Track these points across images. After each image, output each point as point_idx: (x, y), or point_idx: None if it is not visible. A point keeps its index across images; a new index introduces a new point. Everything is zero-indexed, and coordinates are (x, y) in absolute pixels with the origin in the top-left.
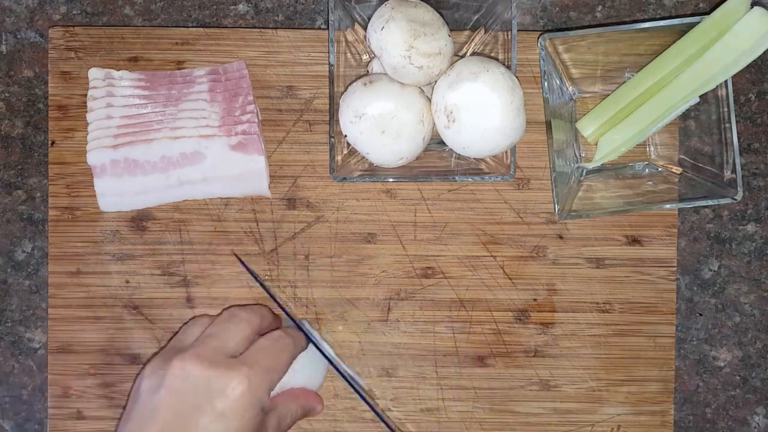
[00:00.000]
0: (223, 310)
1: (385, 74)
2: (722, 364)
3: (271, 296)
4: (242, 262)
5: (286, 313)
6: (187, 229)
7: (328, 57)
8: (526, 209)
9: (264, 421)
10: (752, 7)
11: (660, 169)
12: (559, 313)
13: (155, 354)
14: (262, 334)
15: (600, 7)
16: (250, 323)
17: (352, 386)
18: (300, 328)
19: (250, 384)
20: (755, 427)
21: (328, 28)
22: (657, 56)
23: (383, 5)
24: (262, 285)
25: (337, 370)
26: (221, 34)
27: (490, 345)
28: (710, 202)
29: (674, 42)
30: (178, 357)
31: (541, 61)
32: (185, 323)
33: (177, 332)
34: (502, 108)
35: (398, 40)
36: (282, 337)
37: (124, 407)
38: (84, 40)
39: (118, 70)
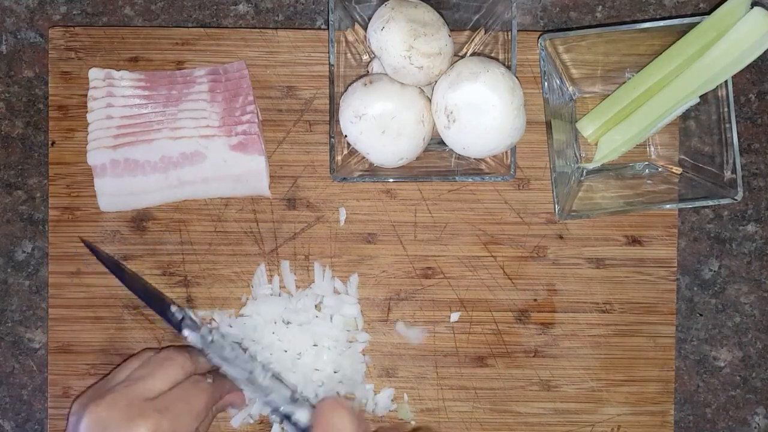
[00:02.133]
0: (162, 348)
1: (385, 74)
2: (722, 365)
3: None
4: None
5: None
6: (187, 229)
7: (329, 57)
8: (526, 209)
9: None
10: (752, 7)
11: (660, 170)
12: (560, 314)
13: (91, 386)
14: None
15: (600, 8)
16: (183, 368)
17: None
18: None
19: (158, 430)
20: (755, 428)
21: (328, 29)
22: (657, 56)
23: (383, 5)
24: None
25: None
26: (221, 34)
27: (490, 345)
28: (710, 203)
29: (674, 42)
30: (95, 403)
31: (541, 62)
32: (127, 359)
33: (118, 365)
34: (503, 108)
35: (398, 40)
36: (205, 378)
37: None
38: (84, 40)
39: (118, 70)
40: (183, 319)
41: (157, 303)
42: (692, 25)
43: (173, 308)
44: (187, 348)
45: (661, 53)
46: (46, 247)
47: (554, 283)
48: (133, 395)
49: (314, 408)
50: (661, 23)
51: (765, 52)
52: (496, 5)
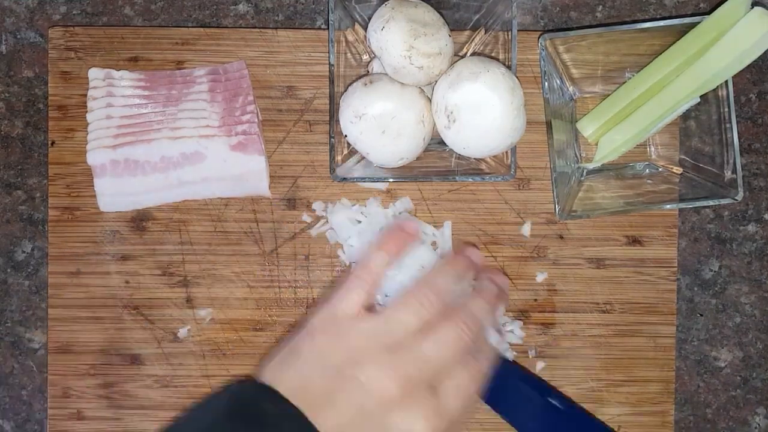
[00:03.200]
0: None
1: (386, 74)
2: (723, 365)
3: None
4: None
5: None
6: (187, 229)
7: (329, 57)
8: (526, 209)
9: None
10: (752, 7)
11: (660, 170)
12: (560, 314)
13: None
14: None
15: (600, 7)
16: (461, 338)
17: None
18: None
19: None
20: (756, 428)
21: (328, 28)
22: (657, 56)
23: (383, 5)
24: None
25: None
26: (221, 34)
27: None
28: (711, 203)
29: (675, 42)
30: (375, 361)
31: (542, 62)
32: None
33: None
34: (503, 108)
35: (398, 40)
36: (480, 371)
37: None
38: (84, 40)
39: (118, 70)
40: None
41: None
42: (692, 25)
43: None
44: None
45: (661, 53)
46: (46, 247)
47: (554, 283)
48: (414, 373)
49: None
50: (661, 23)
51: (765, 52)
52: (496, 5)
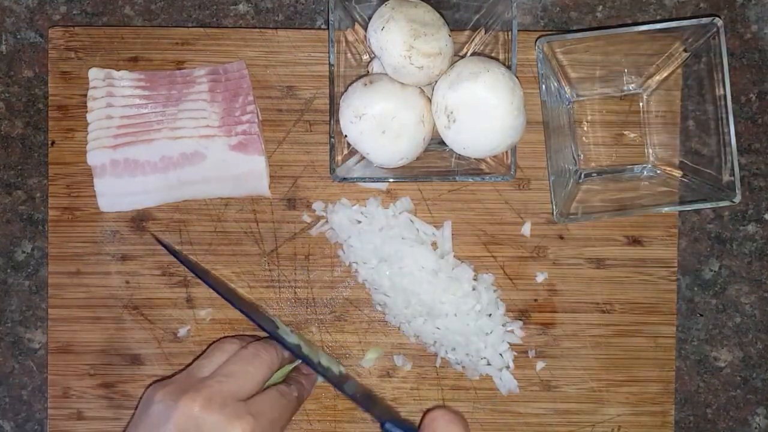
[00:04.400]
0: (249, 343)
1: (386, 74)
2: (723, 365)
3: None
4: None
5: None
6: (187, 229)
7: (329, 57)
8: (526, 209)
9: None
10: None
11: (659, 172)
12: (560, 314)
13: (174, 374)
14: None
15: (600, 7)
16: (270, 367)
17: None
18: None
19: None
20: (756, 428)
21: (328, 28)
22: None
23: (383, 5)
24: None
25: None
26: (221, 34)
27: None
28: (709, 205)
29: (673, 44)
30: (190, 395)
31: (539, 64)
32: (213, 344)
33: (201, 353)
34: (503, 108)
35: (398, 40)
36: (291, 390)
37: (132, 417)
38: (84, 40)
39: (118, 70)
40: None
41: (263, 320)
42: (689, 27)
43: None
44: (271, 342)
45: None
46: (46, 247)
47: (554, 284)
48: (227, 393)
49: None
50: (658, 26)
51: (765, 52)
52: (496, 5)
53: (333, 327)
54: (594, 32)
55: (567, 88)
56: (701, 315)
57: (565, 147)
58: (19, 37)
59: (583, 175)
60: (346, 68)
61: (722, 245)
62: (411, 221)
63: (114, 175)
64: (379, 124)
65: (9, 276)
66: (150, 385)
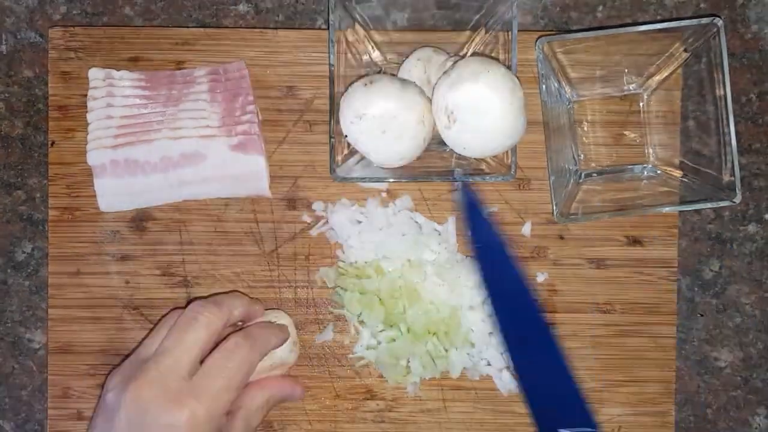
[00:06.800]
0: (188, 302)
1: (386, 74)
2: (723, 365)
3: None
4: None
5: None
6: (187, 229)
7: (329, 57)
8: (526, 209)
9: (227, 426)
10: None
11: (659, 172)
12: (560, 314)
13: (126, 356)
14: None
15: (601, 7)
16: (208, 327)
17: None
18: None
19: (194, 418)
20: (756, 428)
21: (328, 28)
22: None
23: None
24: None
25: None
26: (221, 34)
27: None
28: (709, 205)
29: (673, 44)
30: (134, 382)
31: (539, 65)
32: (158, 321)
33: (150, 330)
34: (503, 108)
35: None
36: (238, 346)
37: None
38: (84, 40)
39: (118, 70)
40: None
41: None
42: (688, 27)
43: None
44: (213, 298)
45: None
46: (46, 247)
47: (555, 284)
48: (166, 372)
49: None
50: (659, 26)
51: (766, 52)
52: (496, 5)
53: (333, 327)
54: (594, 32)
55: (567, 88)
56: (701, 315)
57: (566, 147)
58: (19, 37)
59: (583, 175)
60: (346, 68)
61: (722, 245)
62: (411, 218)
63: (114, 175)
64: (380, 125)
65: (9, 276)
66: (109, 372)
